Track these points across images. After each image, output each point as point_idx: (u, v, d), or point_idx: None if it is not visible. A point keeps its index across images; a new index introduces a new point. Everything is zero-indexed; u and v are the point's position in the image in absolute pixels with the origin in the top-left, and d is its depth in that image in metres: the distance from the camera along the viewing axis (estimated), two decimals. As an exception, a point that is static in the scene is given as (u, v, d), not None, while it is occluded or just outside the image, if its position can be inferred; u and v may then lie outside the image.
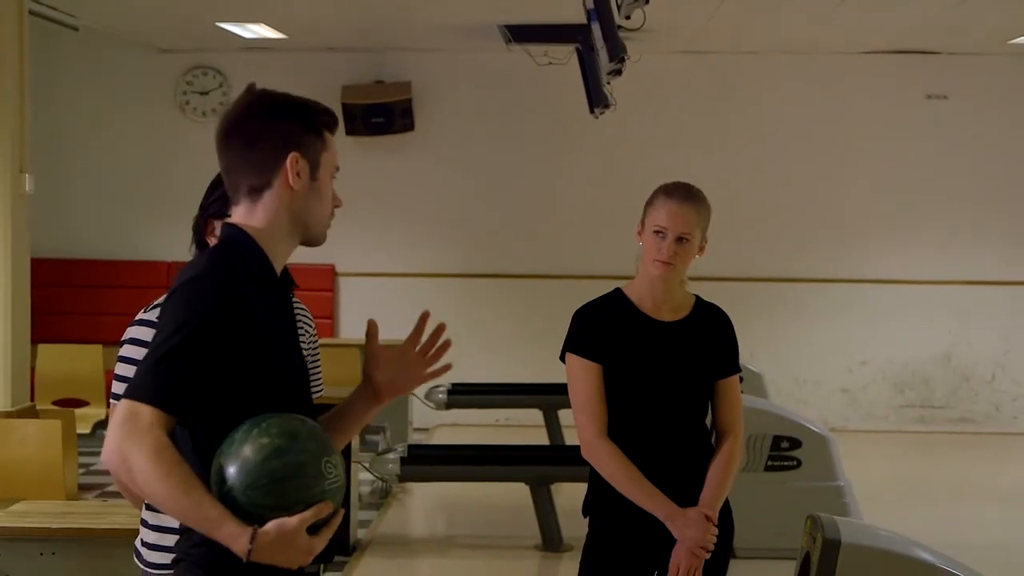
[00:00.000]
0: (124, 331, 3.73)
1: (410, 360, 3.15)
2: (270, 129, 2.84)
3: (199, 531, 2.66)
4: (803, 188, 12.63)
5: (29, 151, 9.10)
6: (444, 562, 8.22)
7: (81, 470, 8.40)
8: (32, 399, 9.37)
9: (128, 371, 3.60)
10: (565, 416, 10.15)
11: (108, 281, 12.50)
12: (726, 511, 4.18)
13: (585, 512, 4.24)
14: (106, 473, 4.81)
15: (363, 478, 9.13)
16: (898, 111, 12.59)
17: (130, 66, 12.66)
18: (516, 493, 8.38)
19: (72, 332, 11.81)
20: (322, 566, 2.85)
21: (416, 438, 11.52)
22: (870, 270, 12.65)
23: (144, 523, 3.69)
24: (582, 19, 9.25)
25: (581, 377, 4.13)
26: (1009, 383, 12.67)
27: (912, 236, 12.61)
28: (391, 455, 8.10)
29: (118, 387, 3.63)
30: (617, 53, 9.14)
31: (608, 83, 9.82)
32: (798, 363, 12.63)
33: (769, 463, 7.71)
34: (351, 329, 12.71)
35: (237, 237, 2.86)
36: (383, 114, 12.36)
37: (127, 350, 3.66)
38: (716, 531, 4.07)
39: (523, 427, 11.46)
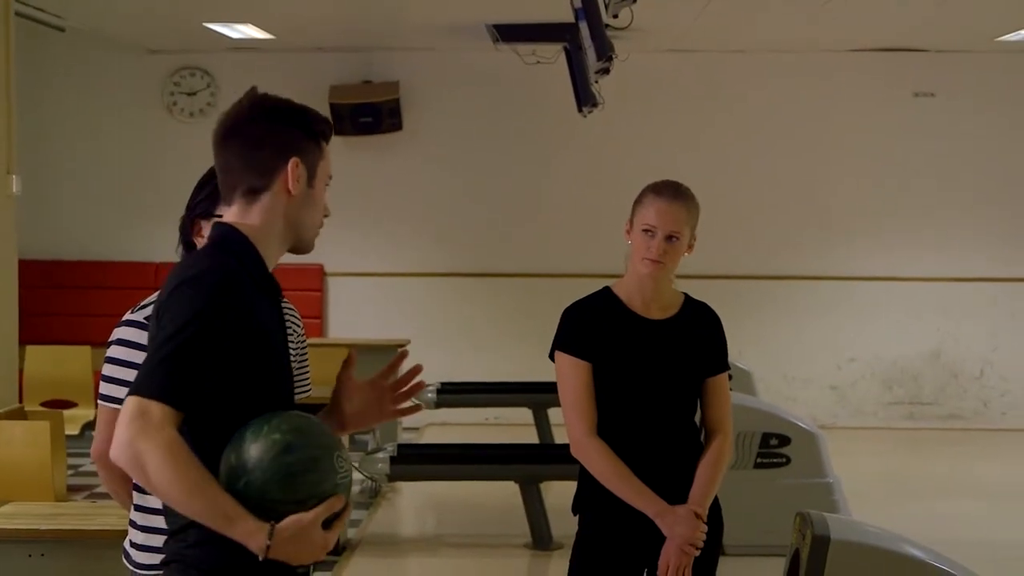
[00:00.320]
0: (112, 332, 3.72)
1: (381, 394, 3.14)
2: (273, 133, 2.86)
3: (214, 528, 2.65)
4: (791, 186, 12.64)
5: (16, 152, 9.09)
6: (434, 561, 8.22)
7: (70, 471, 8.39)
8: (20, 401, 9.35)
9: (116, 372, 3.60)
10: (555, 414, 10.15)
11: (96, 282, 12.48)
12: (715, 508, 4.19)
13: (575, 510, 4.24)
14: (95, 474, 4.78)
15: (352, 477, 9.11)
16: (886, 109, 12.61)
17: (117, 67, 12.63)
18: (506, 492, 8.38)
19: (60, 333, 11.80)
20: (311, 566, 2.85)
21: (405, 437, 11.52)
22: (858, 267, 12.67)
23: (133, 524, 3.69)
24: (570, 18, 9.25)
25: (570, 375, 4.14)
26: (997, 379, 12.69)
27: (900, 233, 12.63)
28: (380, 454, 8.10)
29: (106, 388, 3.62)
30: (605, 52, 9.15)
31: (596, 82, 9.82)
32: (787, 360, 12.65)
33: (758, 460, 7.72)
34: (340, 329, 12.70)
35: (232, 236, 2.87)
36: (371, 114, 12.35)
37: (115, 351, 3.65)
38: (706, 528, 4.07)
39: (512, 426, 11.46)
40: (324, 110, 12.00)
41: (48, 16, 10.96)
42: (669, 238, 4.11)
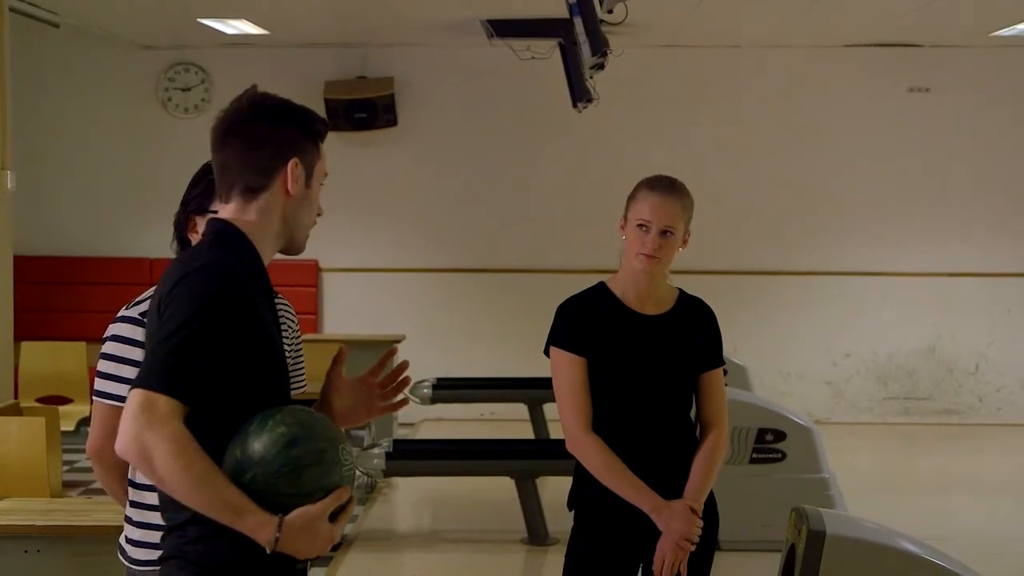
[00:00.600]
0: (107, 328, 3.72)
1: (370, 391, 3.14)
2: (273, 133, 2.87)
3: (221, 522, 2.65)
4: (786, 181, 12.64)
5: (10, 148, 9.08)
6: (430, 556, 8.22)
7: (65, 467, 8.39)
8: (16, 396, 9.34)
9: (112, 368, 3.59)
10: (550, 410, 10.14)
11: (91, 278, 12.47)
12: (711, 503, 4.19)
13: (570, 506, 4.24)
14: (91, 470, 4.76)
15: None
16: (881, 104, 12.61)
17: (112, 63, 12.62)
18: (501, 487, 8.38)
19: (55, 329, 11.79)
20: (308, 562, 2.85)
21: (401, 433, 11.52)
22: (854, 263, 12.67)
23: (128, 520, 3.68)
24: (564, 14, 9.26)
25: (565, 371, 4.14)
26: (993, 375, 12.70)
27: (896, 228, 12.63)
28: (376, 450, 8.10)
29: (101, 384, 3.62)
30: (600, 47, 9.15)
31: (591, 77, 9.82)
32: (782, 356, 12.65)
33: (754, 455, 7.72)
34: (335, 325, 12.70)
35: (230, 232, 2.87)
36: (366, 109, 12.34)
37: (110, 347, 3.65)
38: (701, 523, 4.08)
39: (508, 421, 11.46)
40: (319, 106, 12.02)
41: (42, 12, 10.94)
42: (663, 233, 4.11)
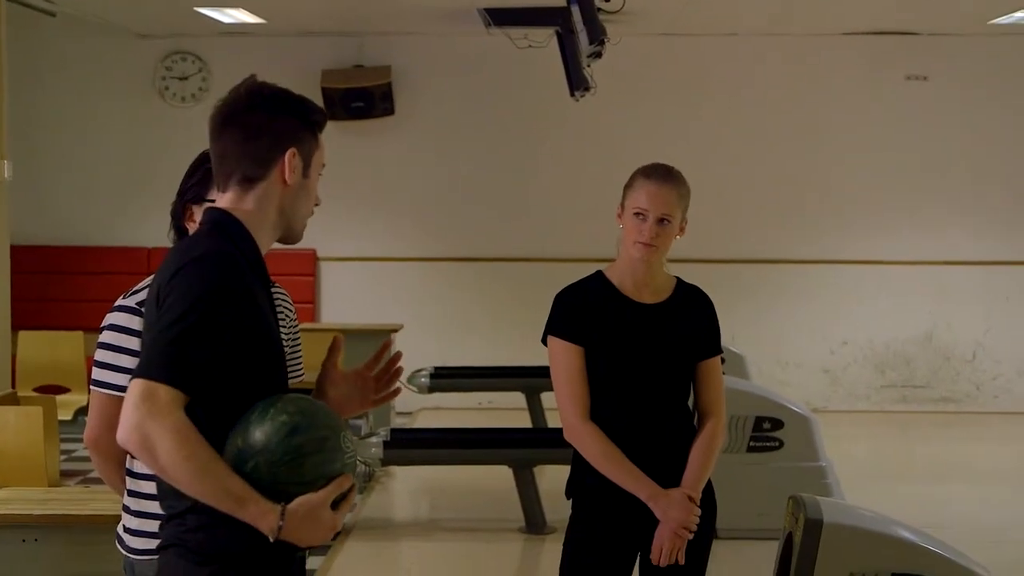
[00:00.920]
0: (104, 318, 3.72)
1: (365, 382, 3.15)
2: (271, 123, 2.87)
3: (223, 511, 2.66)
4: (784, 169, 12.64)
5: (7, 138, 9.08)
6: (428, 545, 8.23)
7: (63, 456, 8.39)
8: (13, 386, 9.35)
9: (109, 357, 3.59)
10: (548, 399, 10.16)
11: (88, 268, 12.46)
12: (708, 492, 4.19)
13: (568, 494, 4.25)
14: (88, 459, 4.77)
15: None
16: (878, 92, 12.60)
17: (108, 52, 12.60)
18: (499, 476, 8.39)
19: (52, 319, 11.79)
20: (307, 550, 2.85)
21: (399, 422, 11.52)
22: (851, 251, 12.67)
23: (126, 509, 3.69)
24: (562, 2, 9.26)
25: (563, 360, 4.14)
26: (990, 362, 12.71)
27: (893, 217, 12.63)
28: (374, 439, 8.10)
29: (99, 374, 3.62)
30: (597, 36, 9.15)
31: (588, 66, 9.82)
32: (780, 344, 12.66)
33: (751, 444, 7.73)
34: (332, 314, 12.70)
35: (227, 221, 2.87)
36: (363, 98, 12.33)
37: (107, 336, 3.65)
38: (699, 512, 4.08)
39: (506, 410, 11.47)
40: (316, 95, 11.99)
41: (39, 1, 10.93)
42: (660, 221, 4.11)
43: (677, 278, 4.28)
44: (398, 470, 9.63)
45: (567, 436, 4.15)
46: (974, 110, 12.57)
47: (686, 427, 4.20)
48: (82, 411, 9.33)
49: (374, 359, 3.18)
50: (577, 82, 10.22)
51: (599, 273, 4.25)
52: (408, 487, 9.64)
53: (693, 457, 4.13)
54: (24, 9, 10.97)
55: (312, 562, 7.28)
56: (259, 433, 2.68)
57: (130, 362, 3.37)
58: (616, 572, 4.15)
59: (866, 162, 12.63)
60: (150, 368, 2.67)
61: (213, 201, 2.97)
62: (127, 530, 3.67)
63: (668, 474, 4.10)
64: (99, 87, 12.65)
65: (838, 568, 4.65)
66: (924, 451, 11.60)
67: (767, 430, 7.74)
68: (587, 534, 4.16)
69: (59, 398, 8.66)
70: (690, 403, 4.25)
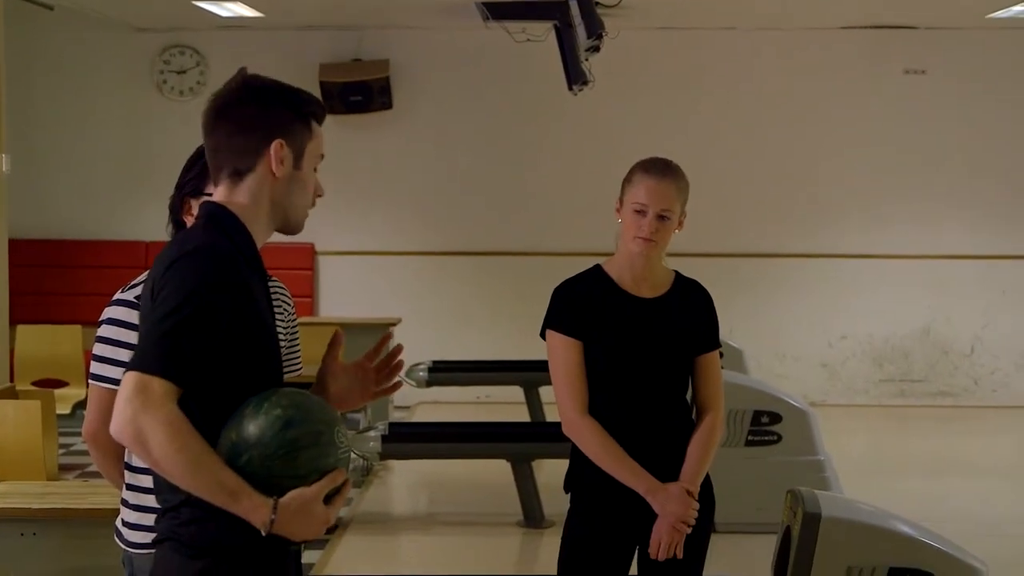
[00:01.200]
0: (103, 311, 3.72)
1: (365, 375, 3.14)
2: (259, 115, 2.87)
3: (216, 504, 2.66)
4: (782, 163, 12.64)
5: (5, 131, 9.07)
6: (426, 539, 8.23)
7: (61, 450, 8.39)
8: (11, 380, 9.35)
9: (107, 351, 3.59)
10: (546, 393, 10.18)
11: (86, 261, 12.46)
12: (707, 486, 4.19)
13: (567, 488, 4.25)
14: (86, 453, 4.77)
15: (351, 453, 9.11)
16: (876, 86, 12.60)
17: (106, 45, 12.59)
18: (497, 470, 8.39)
19: (51, 313, 11.78)
20: (303, 544, 2.85)
21: (397, 416, 11.52)
22: (849, 245, 12.67)
23: (125, 503, 3.69)
24: (560, -4, 9.24)
25: (561, 354, 4.14)
26: (988, 357, 12.71)
27: (891, 211, 12.63)
28: (372, 433, 8.10)
29: (97, 367, 3.62)
30: (595, 30, 9.15)
31: (586, 60, 9.82)
32: (778, 338, 12.66)
33: (749, 438, 7.73)
34: (331, 308, 12.70)
35: (222, 214, 2.87)
36: (361, 92, 12.32)
37: (106, 330, 3.65)
38: (697, 506, 4.08)
39: (504, 404, 11.47)
40: (314, 88, 11.98)
41: (37, -6, 10.93)
42: (660, 216, 4.10)
43: (676, 272, 4.28)
44: (396, 464, 9.63)
45: (565, 430, 4.15)
46: (972, 104, 12.56)
47: (684, 421, 4.20)
48: (80, 405, 9.33)
49: (374, 351, 3.18)
50: (575, 76, 10.22)
51: (597, 267, 4.25)
52: (406, 481, 9.64)
53: (691, 451, 4.13)
54: (22, 3, 10.96)
55: (310, 556, 7.28)
56: (253, 427, 2.67)
57: (129, 356, 3.36)
58: (614, 566, 4.16)
59: (864, 156, 12.63)
60: (143, 361, 2.67)
61: (211, 195, 2.97)
62: (126, 524, 3.68)
63: (666, 468, 4.10)
64: (97, 81, 12.64)
65: (836, 562, 4.66)
66: (922, 445, 11.60)
67: (765, 424, 7.74)
68: (585, 528, 4.16)
69: (57, 392, 8.66)
70: (688, 397, 4.26)
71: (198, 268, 2.73)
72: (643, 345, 4.12)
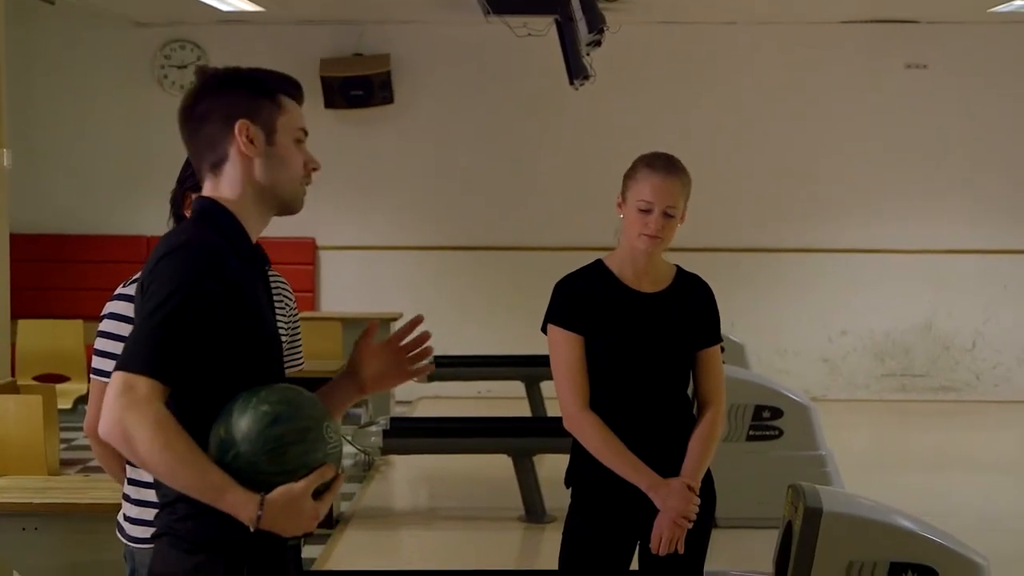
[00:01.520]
0: (104, 306, 3.72)
1: (398, 355, 3.12)
2: (217, 104, 2.86)
3: (204, 501, 2.66)
4: (783, 158, 12.63)
5: (6, 126, 9.06)
6: (427, 534, 8.24)
7: (63, 445, 8.39)
8: (13, 375, 9.35)
9: (108, 346, 3.60)
10: (547, 388, 10.16)
11: (88, 256, 12.46)
12: (708, 481, 4.19)
13: (568, 483, 4.25)
14: (88, 448, 4.78)
15: (345, 451, 9.11)
16: (878, 80, 12.59)
17: (107, 40, 12.59)
18: (499, 465, 8.39)
19: (52, 307, 11.78)
20: (302, 539, 2.85)
21: (398, 411, 11.53)
22: (851, 240, 12.67)
23: (127, 498, 3.69)
24: (561, -10, 9.22)
25: (563, 349, 4.14)
26: (989, 352, 12.71)
27: (892, 205, 12.62)
28: (373, 428, 8.11)
29: (99, 362, 3.62)
30: (596, 24, 9.13)
31: (587, 54, 9.80)
32: (779, 333, 12.66)
33: (751, 433, 7.73)
34: (332, 303, 12.70)
35: (212, 208, 2.87)
36: (362, 87, 12.32)
37: (107, 325, 3.65)
38: (698, 501, 4.08)
39: (505, 399, 11.47)
40: (315, 83, 12.00)
41: (37, -11, 10.92)
42: (665, 214, 4.10)
43: (677, 267, 4.28)
44: (398, 459, 9.63)
45: (567, 425, 4.15)
46: (973, 98, 12.55)
47: (686, 416, 4.20)
48: (82, 400, 9.34)
49: (404, 330, 3.14)
50: (576, 70, 10.20)
51: (599, 262, 4.24)
52: (408, 476, 9.64)
53: (692, 446, 4.13)
54: (23, -3, 10.96)
55: (312, 551, 7.29)
56: (241, 423, 2.67)
57: (130, 351, 3.37)
58: (615, 561, 4.16)
59: (865, 150, 12.62)
60: (129, 360, 2.67)
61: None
62: (127, 518, 3.68)
63: (668, 463, 4.10)
64: (97, 75, 12.63)
65: (837, 557, 4.66)
66: (923, 440, 11.60)
67: (767, 419, 7.74)
68: (586, 523, 4.16)
69: (59, 387, 8.67)
70: (690, 392, 4.25)
71: (183, 264, 2.72)
72: (644, 340, 4.11)
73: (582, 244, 11.08)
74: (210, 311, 2.70)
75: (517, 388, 10.73)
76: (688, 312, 4.18)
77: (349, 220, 12.59)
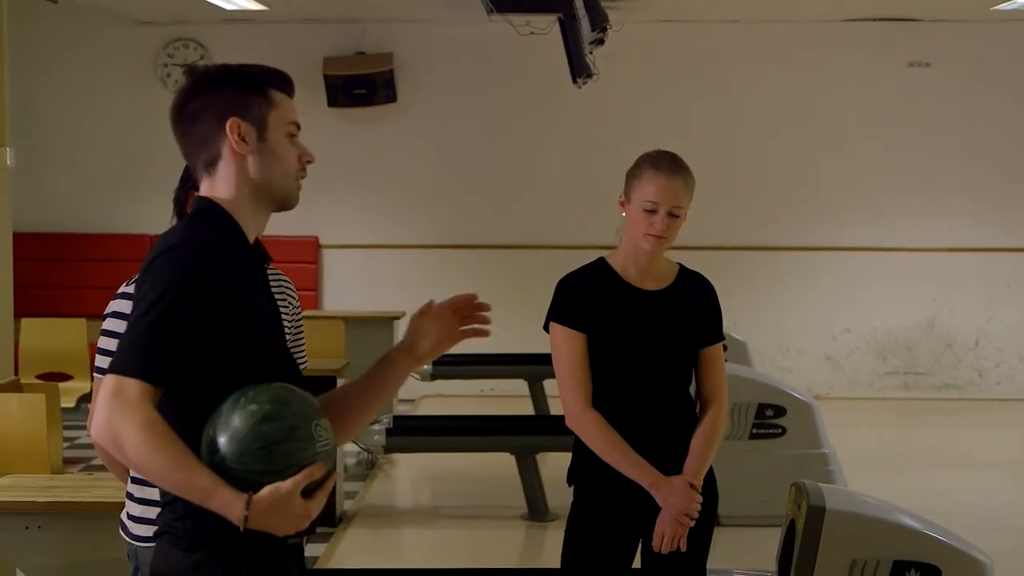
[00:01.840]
0: (107, 304, 3.73)
1: (452, 318, 3.14)
2: (207, 103, 2.85)
3: (194, 502, 2.66)
4: (786, 156, 12.62)
5: (9, 125, 9.07)
6: (430, 532, 8.24)
7: (66, 444, 8.40)
8: (16, 373, 9.35)
9: (111, 344, 3.60)
10: (550, 386, 10.14)
11: (91, 254, 12.46)
12: (710, 479, 4.19)
13: (570, 481, 4.25)
14: (91, 447, 4.81)
15: (348, 449, 9.14)
16: (880, 79, 12.58)
17: (110, 39, 12.59)
18: (502, 463, 8.39)
19: (55, 306, 11.79)
20: (305, 538, 2.85)
21: (401, 409, 11.53)
22: (853, 238, 12.66)
23: (130, 496, 3.70)
24: (564, -12, 9.22)
25: (565, 347, 4.14)
26: (992, 350, 12.70)
27: (895, 203, 12.62)
28: (376, 426, 8.11)
29: (102, 361, 3.63)
30: (599, 23, 9.13)
31: (590, 53, 9.80)
32: (782, 331, 12.65)
33: (754, 431, 7.73)
34: (335, 301, 12.70)
35: (208, 208, 2.86)
36: (365, 85, 12.32)
37: (110, 323, 3.66)
38: (700, 499, 4.08)
39: (508, 397, 11.47)
40: (318, 81, 12.00)
41: (40, -12, 10.92)
42: (670, 214, 4.10)
43: (679, 265, 4.28)
44: (401, 457, 9.64)
45: (569, 423, 4.15)
46: (976, 96, 12.54)
47: (688, 414, 4.20)
48: (85, 398, 9.34)
49: (465, 298, 3.17)
50: (579, 69, 10.20)
51: (601, 260, 4.25)
52: (410, 474, 9.65)
53: (695, 444, 4.13)
54: (26, -4, 10.96)
55: (314, 549, 7.29)
56: (230, 422, 2.66)
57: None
58: (618, 559, 4.16)
59: (868, 148, 12.61)
60: (119, 363, 2.66)
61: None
62: (131, 517, 3.68)
63: (670, 461, 4.10)
64: (101, 74, 12.64)
65: (840, 555, 4.66)
66: (926, 438, 11.59)
67: (769, 417, 7.74)
68: (589, 521, 4.16)
69: (62, 385, 8.66)
70: (692, 390, 4.25)
71: (174, 264, 2.71)
72: (647, 338, 4.12)
73: (585, 242, 11.06)
74: (203, 311, 2.69)
75: (520, 386, 10.72)
76: (690, 310, 4.18)
77: (352, 219, 12.59)
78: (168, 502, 2.80)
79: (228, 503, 2.63)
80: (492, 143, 12.67)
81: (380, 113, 12.55)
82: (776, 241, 12.68)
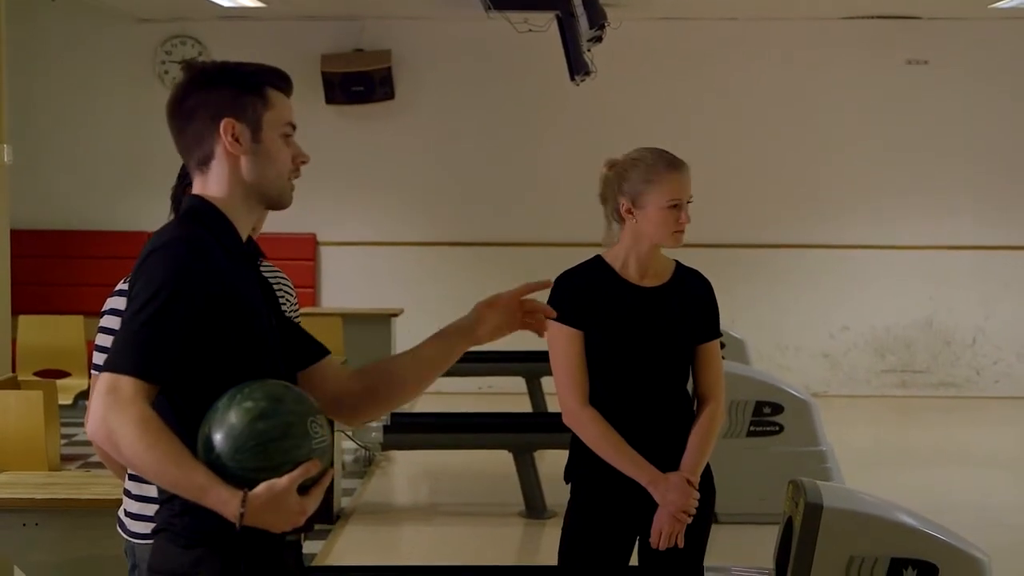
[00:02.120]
0: (105, 302, 3.72)
1: (515, 308, 3.31)
2: (202, 101, 2.85)
3: (190, 500, 2.66)
4: (784, 153, 12.63)
5: (7, 122, 9.06)
6: (428, 530, 8.24)
7: (63, 441, 8.39)
8: (13, 370, 9.35)
9: (108, 342, 3.59)
10: (548, 383, 10.14)
11: (88, 252, 12.46)
12: (707, 476, 4.20)
13: (567, 478, 4.25)
14: (89, 444, 4.81)
15: (346, 447, 9.13)
16: (878, 77, 12.58)
17: (108, 36, 12.59)
18: (499, 460, 8.40)
19: (53, 303, 11.79)
20: (303, 535, 2.85)
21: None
22: (851, 236, 12.66)
23: (127, 493, 3.70)
24: (562, -14, 9.22)
25: (562, 344, 4.14)
26: (990, 347, 12.71)
27: (894, 201, 12.62)
28: (374, 424, 8.10)
29: (99, 358, 3.63)
30: (597, 20, 9.14)
31: (589, 50, 9.80)
32: (780, 329, 12.66)
33: (751, 428, 7.73)
34: (333, 298, 12.70)
35: (200, 206, 2.86)
36: (363, 83, 12.32)
37: (107, 321, 3.66)
38: (698, 496, 4.08)
39: (506, 395, 11.47)
40: (316, 79, 12.00)
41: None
42: (687, 203, 4.18)
43: (676, 262, 4.29)
44: (398, 455, 9.63)
45: (566, 421, 4.16)
46: (974, 94, 12.55)
47: (685, 411, 4.20)
48: (83, 395, 9.34)
49: (526, 288, 3.27)
50: (577, 66, 10.20)
51: (598, 257, 4.25)
52: (408, 472, 9.65)
53: (692, 441, 4.13)
54: (24, -7, 10.95)
55: (312, 546, 7.29)
56: (225, 420, 2.66)
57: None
58: (615, 556, 4.16)
59: (866, 146, 12.61)
60: (114, 360, 2.66)
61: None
62: (128, 514, 3.68)
63: (667, 458, 4.10)
64: (99, 71, 12.63)
65: (838, 552, 4.66)
66: (924, 436, 11.60)
67: (767, 414, 7.75)
68: (586, 519, 4.17)
69: (60, 382, 8.66)
70: (689, 387, 4.26)
71: (166, 262, 2.71)
72: (644, 334, 4.12)
73: (582, 240, 11.00)
74: (197, 309, 2.69)
75: (518, 384, 10.73)
76: (687, 306, 4.19)
77: (350, 216, 12.59)
78: (166, 499, 2.79)
79: (224, 500, 2.62)
80: (490, 140, 12.67)
81: (378, 110, 12.55)
82: (774, 239, 12.68)
